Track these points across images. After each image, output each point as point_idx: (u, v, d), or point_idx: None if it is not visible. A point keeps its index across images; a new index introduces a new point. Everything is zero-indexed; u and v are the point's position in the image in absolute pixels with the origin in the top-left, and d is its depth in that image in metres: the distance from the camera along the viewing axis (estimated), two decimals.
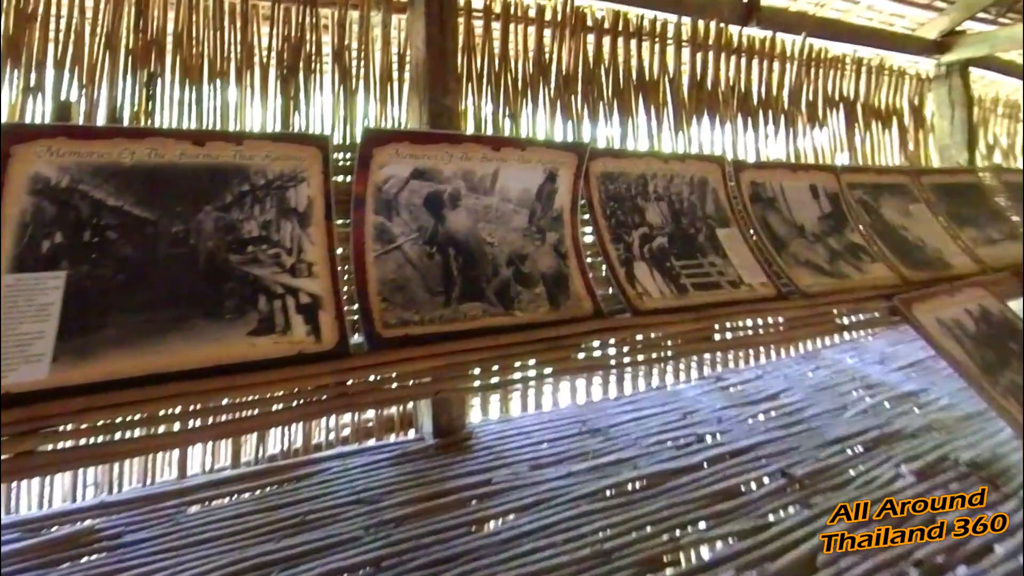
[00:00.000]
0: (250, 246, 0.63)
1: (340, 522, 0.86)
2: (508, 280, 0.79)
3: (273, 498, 0.93)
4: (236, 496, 0.94)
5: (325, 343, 0.59)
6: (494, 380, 0.68)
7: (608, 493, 0.94)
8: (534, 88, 1.25)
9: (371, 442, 1.19)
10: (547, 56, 1.27)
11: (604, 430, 1.17)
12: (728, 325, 0.88)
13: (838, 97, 1.63)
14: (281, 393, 0.55)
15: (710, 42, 1.53)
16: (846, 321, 0.98)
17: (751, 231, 1.09)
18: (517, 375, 0.70)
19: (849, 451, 1.09)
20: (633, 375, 1.40)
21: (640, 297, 0.87)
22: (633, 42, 1.43)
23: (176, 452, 1.06)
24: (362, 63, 1.12)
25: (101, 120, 1.03)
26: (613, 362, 0.76)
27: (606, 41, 1.37)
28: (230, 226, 0.63)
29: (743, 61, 1.48)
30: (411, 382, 0.65)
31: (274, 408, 0.55)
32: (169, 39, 1.06)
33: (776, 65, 1.54)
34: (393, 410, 1.19)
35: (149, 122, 1.05)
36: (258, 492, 0.96)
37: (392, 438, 1.21)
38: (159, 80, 1.04)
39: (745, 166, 1.18)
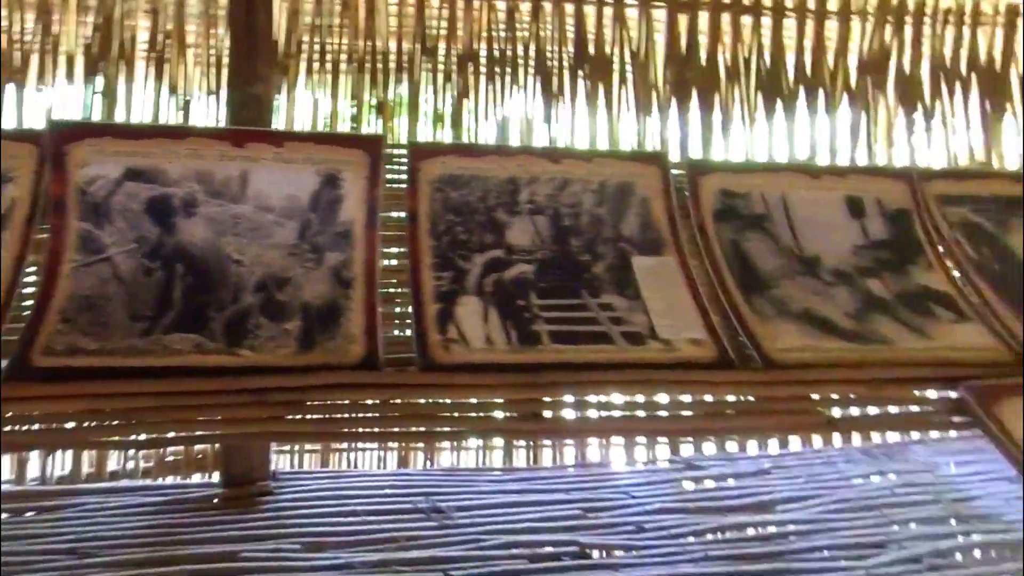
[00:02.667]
0: None
1: (27, 575, 0.82)
2: (249, 310, 0.74)
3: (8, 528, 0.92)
4: None
5: None
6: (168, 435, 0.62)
7: None
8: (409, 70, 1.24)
9: (167, 479, 1.22)
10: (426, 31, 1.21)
11: (450, 512, 0.95)
12: (597, 399, 0.69)
13: (972, 62, 1.28)
14: None
15: None
16: (852, 413, 0.69)
17: (707, 263, 0.89)
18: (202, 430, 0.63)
19: None
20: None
21: (445, 346, 0.73)
22: None
23: None
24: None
25: None
26: (357, 429, 0.63)
27: None
28: None
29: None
30: (54, 425, 0.63)
31: None
32: None
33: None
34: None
35: None
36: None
37: (197, 478, 1.22)
38: None
39: (712, 168, 0.99)
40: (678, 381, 0.67)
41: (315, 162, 0.79)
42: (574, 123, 1.21)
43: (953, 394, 0.70)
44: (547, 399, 0.66)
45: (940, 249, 0.93)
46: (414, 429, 0.63)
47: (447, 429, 0.64)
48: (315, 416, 0.62)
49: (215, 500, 1.04)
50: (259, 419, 0.61)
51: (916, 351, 0.77)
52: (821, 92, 1.21)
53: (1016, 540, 0.73)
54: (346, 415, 0.63)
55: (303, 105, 1.20)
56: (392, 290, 0.77)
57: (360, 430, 0.64)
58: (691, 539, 0.84)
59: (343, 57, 1.23)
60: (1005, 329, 0.85)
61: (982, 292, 0.89)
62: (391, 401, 0.63)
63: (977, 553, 0.85)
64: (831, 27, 1.24)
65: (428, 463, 1.19)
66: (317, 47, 1.21)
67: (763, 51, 1.22)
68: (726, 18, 1.23)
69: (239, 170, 0.77)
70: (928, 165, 1.25)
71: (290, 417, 0.59)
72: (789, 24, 1.24)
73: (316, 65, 1.22)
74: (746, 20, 1.23)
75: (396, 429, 0.62)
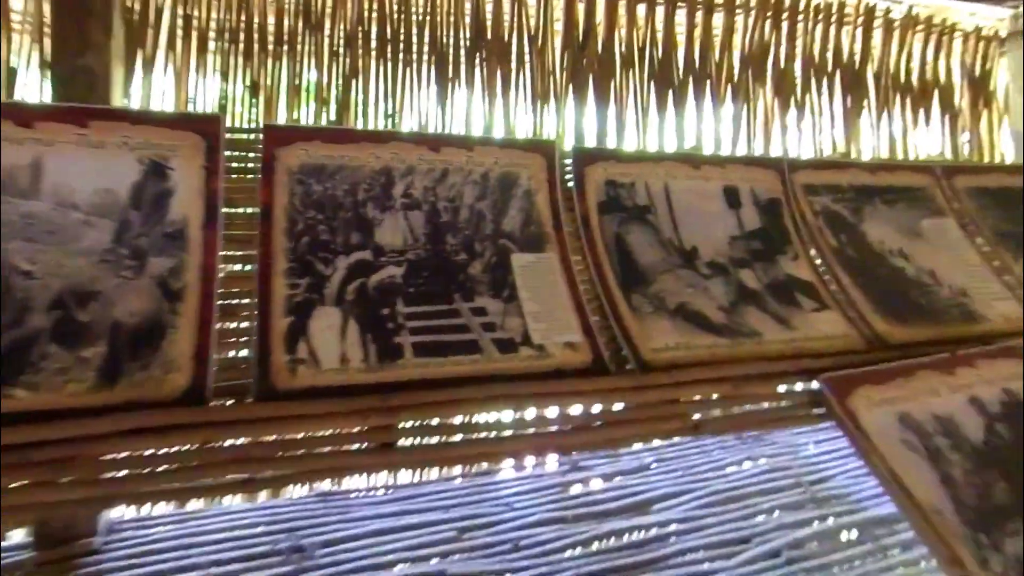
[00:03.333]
0: None
1: None
2: (38, 334, 0.60)
3: None
4: None
5: None
6: None
7: None
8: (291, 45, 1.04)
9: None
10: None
11: (312, 551, 0.85)
12: (461, 421, 0.63)
13: (835, 59, 1.36)
14: None
15: None
16: (715, 413, 0.70)
17: (589, 258, 0.85)
18: None
19: None
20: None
21: (292, 368, 0.64)
22: None
23: None
24: None
25: None
26: (159, 486, 0.52)
27: None
28: None
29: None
30: None
31: None
32: None
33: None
34: None
35: None
36: None
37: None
38: None
39: (597, 156, 0.95)
40: (545, 393, 0.62)
41: (134, 147, 0.65)
42: (470, 110, 1.11)
43: (814, 386, 0.70)
44: (407, 423, 0.58)
45: (805, 237, 0.96)
46: (230, 478, 0.52)
47: (277, 473, 0.54)
48: (116, 473, 0.50)
49: (25, 567, 0.85)
50: (21, 487, 0.47)
51: (780, 343, 0.79)
52: (708, 84, 1.20)
53: (863, 519, 0.78)
54: (152, 468, 0.51)
55: (162, 85, 1.00)
56: (236, 301, 0.66)
57: (162, 487, 0.51)
58: (567, 553, 0.82)
59: (212, 30, 1.04)
60: (859, 316, 0.89)
61: (840, 280, 0.93)
62: (209, 444, 0.51)
63: (829, 539, 0.90)
64: (718, 20, 1.23)
65: (307, 487, 1.07)
66: (181, 18, 1.00)
67: (656, 41, 1.18)
68: (623, 5, 1.17)
69: (30, 157, 0.61)
70: (799, 156, 1.30)
71: (67, 480, 0.47)
72: (680, 15, 1.22)
73: (180, 38, 1.01)
74: (641, 10, 1.19)
75: (209, 481, 0.51)
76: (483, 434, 0.60)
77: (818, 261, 0.95)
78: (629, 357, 0.71)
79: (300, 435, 0.59)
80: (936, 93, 1.47)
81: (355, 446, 0.58)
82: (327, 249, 0.70)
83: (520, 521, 0.86)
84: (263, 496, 0.97)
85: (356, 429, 0.58)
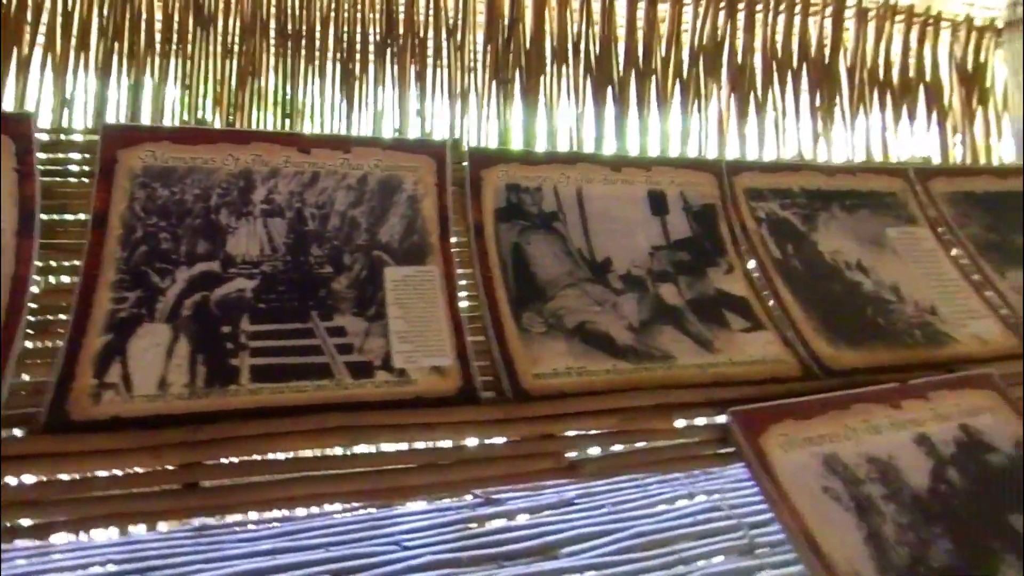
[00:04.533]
0: None
1: None
2: None
3: None
4: None
5: None
6: None
7: None
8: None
9: None
10: None
11: None
12: (285, 456, 0.56)
13: (802, 53, 1.26)
14: None
15: None
16: (595, 452, 0.61)
17: (479, 271, 0.78)
18: None
19: None
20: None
21: (96, 394, 0.58)
22: None
23: None
24: None
25: None
26: None
27: None
28: None
29: None
30: None
31: None
32: None
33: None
34: None
35: None
36: None
37: None
38: None
39: (498, 158, 0.87)
40: (383, 426, 0.55)
41: None
42: (378, 108, 1.05)
43: (723, 419, 0.62)
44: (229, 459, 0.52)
45: (743, 248, 0.87)
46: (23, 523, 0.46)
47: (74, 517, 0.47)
48: None
49: None
50: None
51: (696, 369, 0.70)
52: (653, 80, 1.13)
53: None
54: None
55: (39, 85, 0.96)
56: (53, 317, 0.60)
57: None
58: None
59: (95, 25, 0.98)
60: (799, 338, 0.80)
61: (781, 296, 0.84)
62: None
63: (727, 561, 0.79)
64: (663, 10, 1.16)
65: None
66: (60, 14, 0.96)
67: (593, 34, 1.11)
68: None
69: None
70: (760, 157, 1.21)
71: None
72: (620, 5, 1.15)
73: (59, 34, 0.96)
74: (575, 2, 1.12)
75: None
76: (310, 472, 0.53)
77: (757, 275, 0.87)
78: (504, 384, 0.63)
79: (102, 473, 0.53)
80: (921, 90, 1.37)
81: (158, 488, 0.51)
82: (167, 259, 0.64)
83: (408, 563, 0.78)
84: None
85: (161, 467, 0.52)
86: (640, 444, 0.60)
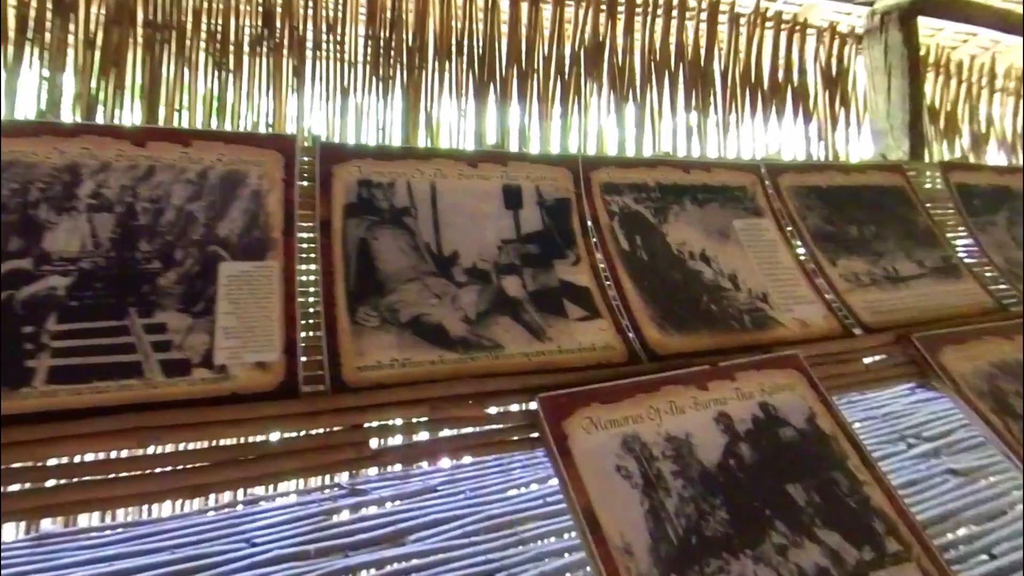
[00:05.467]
0: None
1: None
2: None
3: None
4: None
5: None
6: None
7: None
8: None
9: None
10: None
11: None
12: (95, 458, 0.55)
13: (679, 54, 1.31)
14: None
15: None
16: (395, 441, 0.63)
17: (321, 266, 0.78)
18: None
19: None
20: None
21: None
22: None
23: None
24: None
25: None
26: None
27: None
28: None
29: None
30: None
31: None
32: None
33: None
34: None
35: None
36: None
37: None
38: None
39: (350, 153, 0.87)
40: (190, 424, 0.54)
41: None
42: (251, 105, 1.02)
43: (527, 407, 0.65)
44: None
45: (594, 240, 0.91)
46: None
47: None
48: None
49: None
50: None
51: (523, 357, 0.74)
52: (535, 78, 1.14)
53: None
54: None
55: None
56: None
57: None
58: None
59: None
60: (633, 325, 0.84)
61: (622, 286, 0.88)
62: None
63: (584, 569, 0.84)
64: (547, 12, 1.17)
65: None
66: None
67: (476, 32, 1.11)
68: None
69: None
70: (639, 153, 1.25)
71: None
72: (505, 5, 1.15)
73: None
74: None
75: None
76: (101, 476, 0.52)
77: (603, 265, 0.90)
78: (325, 377, 0.64)
79: None
80: (789, 91, 1.45)
81: None
82: None
83: (254, 559, 0.79)
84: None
85: None
86: (447, 432, 0.62)
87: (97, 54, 0.92)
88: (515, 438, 0.65)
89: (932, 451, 1.29)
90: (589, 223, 0.92)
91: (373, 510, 0.91)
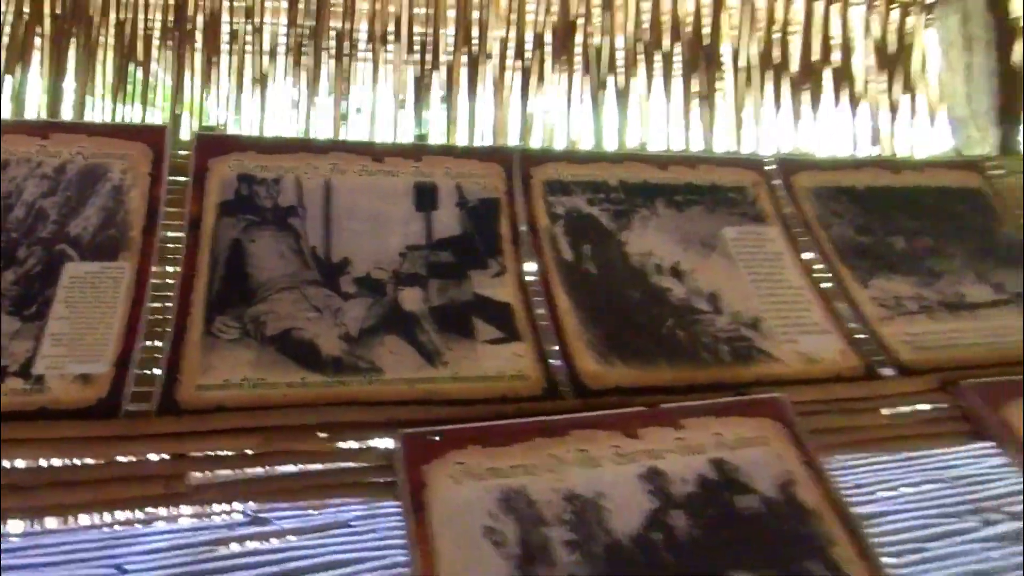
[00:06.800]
0: None
1: None
2: None
3: None
4: None
5: None
6: None
7: None
8: None
9: None
10: None
11: None
12: None
13: (674, 33, 1.22)
14: None
15: None
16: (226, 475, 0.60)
17: (182, 270, 0.78)
18: None
19: None
20: None
21: None
22: None
23: None
24: None
25: None
26: None
27: None
28: None
29: None
30: None
31: None
32: None
33: None
34: None
35: None
36: None
37: None
38: None
39: (229, 145, 0.86)
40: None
41: None
42: (153, 97, 1.07)
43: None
44: None
45: (525, 248, 0.86)
46: None
47: None
48: None
49: None
50: None
51: (404, 385, 0.68)
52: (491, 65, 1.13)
53: None
54: None
55: None
56: None
57: None
58: None
59: None
60: (563, 351, 0.78)
61: (556, 303, 0.82)
62: None
63: None
64: None
65: None
66: None
67: (414, 15, 1.11)
68: None
69: None
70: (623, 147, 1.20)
71: None
72: None
73: None
74: None
75: None
76: None
77: (535, 279, 0.86)
78: (154, 395, 0.63)
79: None
80: (828, 73, 1.36)
81: None
82: None
83: None
84: None
85: None
86: (285, 468, 0.59)
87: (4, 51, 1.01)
88: (374, 480, 0.61)
89: (1014, 533, 1.11)
90: (523, 228, 0.89)
91: (271, 543, 0.90)
